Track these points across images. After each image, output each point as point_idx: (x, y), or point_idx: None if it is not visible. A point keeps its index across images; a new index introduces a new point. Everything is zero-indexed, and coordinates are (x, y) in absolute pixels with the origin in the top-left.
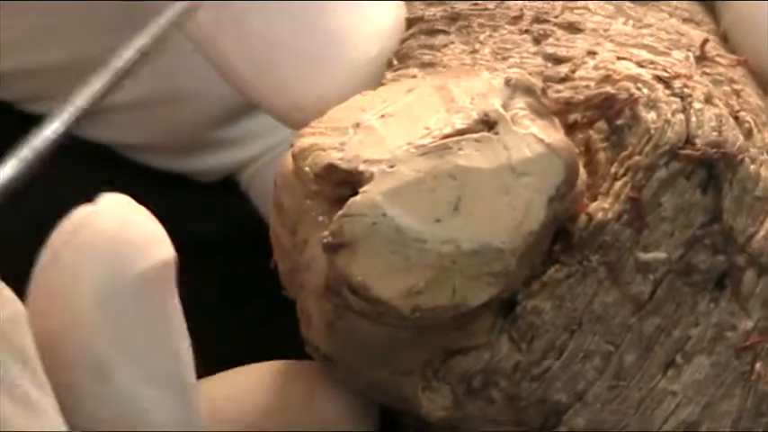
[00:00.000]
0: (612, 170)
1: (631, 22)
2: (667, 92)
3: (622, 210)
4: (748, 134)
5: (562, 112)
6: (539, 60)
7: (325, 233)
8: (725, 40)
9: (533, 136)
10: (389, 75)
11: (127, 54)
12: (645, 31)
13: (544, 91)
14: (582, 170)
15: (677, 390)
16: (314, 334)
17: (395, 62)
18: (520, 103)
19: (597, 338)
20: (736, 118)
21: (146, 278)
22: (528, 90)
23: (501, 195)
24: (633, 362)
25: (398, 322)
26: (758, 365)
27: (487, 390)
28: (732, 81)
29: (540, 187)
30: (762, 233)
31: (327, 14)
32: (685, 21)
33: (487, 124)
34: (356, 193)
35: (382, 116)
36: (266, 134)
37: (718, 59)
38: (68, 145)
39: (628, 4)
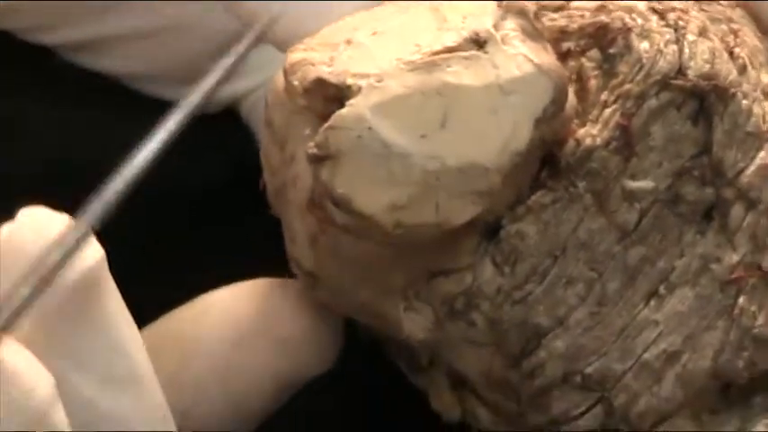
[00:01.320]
0: (603, 97)
1: None
2: (661, 23)
3: (611, 136)
4: (742, 70)
5: (556, 40)
6: None
7: (311, 144)
8: None
9: (523, 56)
10: None
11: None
12: None
13: (537, 15)
14: (572, 95)
15: (659, 319)
16: (298, 250)
17: None
18: (511, 24)
19: (581, 265)
20: (731, 53)
21: (78, 288)
22: (520, 12)
23: (488, 114)
24: (616, 290)
25: (381, 238)
26: (742, 300)
27: (469, 312)
28: (730, 20)
29: (527, 107)
30: (752, 168)
31: None
32: None
33: (477, 43)
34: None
35: (374, 33)
36: (266, 65)
37: None
38: (74, 76)
39: None
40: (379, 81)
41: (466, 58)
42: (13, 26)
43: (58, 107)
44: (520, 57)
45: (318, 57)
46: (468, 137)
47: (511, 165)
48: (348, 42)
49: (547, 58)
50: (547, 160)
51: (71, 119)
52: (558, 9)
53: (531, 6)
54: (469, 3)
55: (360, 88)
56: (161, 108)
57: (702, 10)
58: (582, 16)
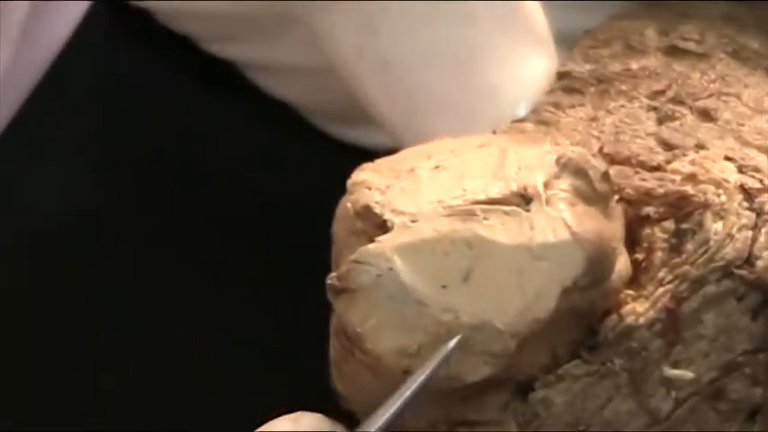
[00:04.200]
0: (660, 275)
1: None
2: (745, 204)
3: (656, 318)
4: None
5: (640, 203)
6: (650, 142)
7: (333, 274)
8: None
9: (563, 221)
10: (504, 126)
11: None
12: None
13: (606, 175)
14: (624, 267)
15: None
16: (332, 365)
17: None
18: (564, 184)
19: None
20: None
21: None
22: (579, 171)
23: (513, 275)
24: None
25: (391, 380)
26: None
27: None
28: None
29: (555, 275)
30: None
31: (482, 68)
32: None
33: (524, 198)
34: None
35: (436, 167)
36: (270, 34)
37: None
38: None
39: None
40: (413, 221)
41: (506, 213)
42: (192, 31)
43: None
44: (559, 221)
45: (378, 182)
46: (489, 296)
47: (528, 330)
48: (410, 171)
49: (591, 226)
50: (588, 334)
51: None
52: (653, 168)
53: (599, 164)
54: (534, 149)
55: (393, 225)
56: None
57: None
58: (672, 181)
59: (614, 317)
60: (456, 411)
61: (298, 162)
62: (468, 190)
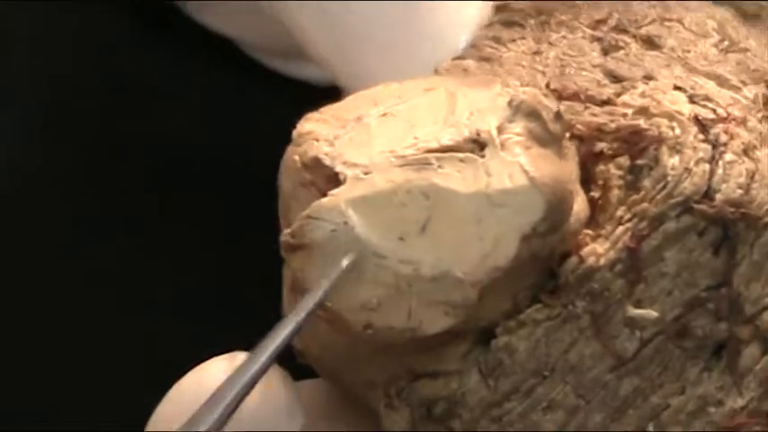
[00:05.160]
0: (619, 213)
1: (725, 44)
2: (700, 137)
3: (617, 258)
4: None
5: (591, 138)
6: (597, 74)
7: (286, 231)
8: None
9: (519, 166)
10: (445, 63)
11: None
12: (733, 56)
13: (559, 115)
14: (584, 206)
15: None
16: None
17: (464, 52)
18: (518, 127)
19: (567, 389)
20: None
21: None
22: (532, 113)
23: (471, 224)
24: (599, 422)
25: (351, 336)
26: None
27: (448, 419)
28: None
29: (513, 222)
30: None
31: (419, 8)
32: None
33: (477, 144)
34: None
35: (384, 114)
36: None
37: None
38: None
39: (734, 23)
40: (365, 173)
41: (461, 160)
42: None
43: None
44: (516, 166)
45: (325, 132)
46: (447, 245)
47: (489, 279)
48: (357, 120)
49: (547, 169)
50: (547, 277)
51: None
52: (603, 102)
53: (552, 104)
54: (484, 92)
55: (345, 177)
56: None
57: (765, 118)
58: (623, 115)
59: (574, 259)
60: (416, 363)
61: (241, 101)
62: (420, 138)
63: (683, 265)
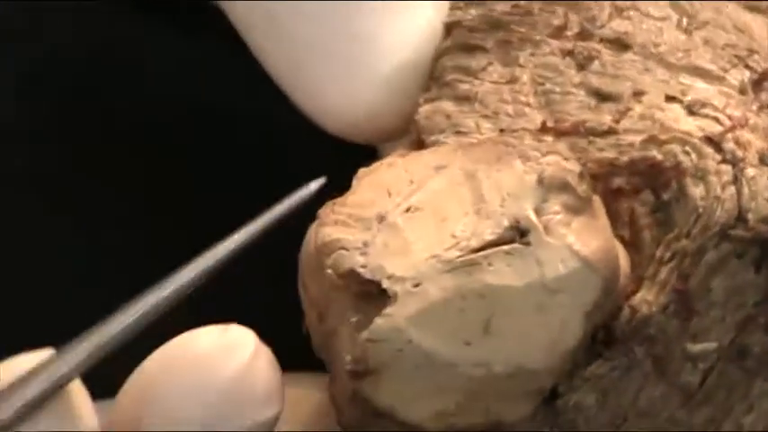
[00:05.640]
0: (658, 254)
1: (685, 21)
2: (718, 157)
3: (668, 301)
4: None
5: (606, 176)
6: (581, 96)
7: (348, 359)
8: None
9: (568, 248)
10: (424, 106)
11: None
12: (698, 35)
13: (583, 175)
14: (625, 262)
15: None
16: (344, 426)
17: (431, 87)
18: (555, 205)
19: None
20: None
21: None
22: (563, 186)
23: (533, 315)
24: None
25: None
26: None
27: None
28: None
29: (575, 304)
30: None
31: (360, 17)
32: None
33: (518, 231)
34: (383, 291)
35: (408, 209)
36: None
37: None
38: None
39: None
40: (415, 285)
41: (507, 252)
42: None
43: None
44: (564, 250)
45: (351, 239)
46: (515, 340)
47: (562, 362)
48: (381, 219)
49: (595, 242)
50: (602, 326)
51: None
52: (605, 133)
53: (574, 166)
54: (508, 172)
55: (396, 294)
56: None
57: (762, 108)
58: (631, 145)
59: (627, 311)
60: None
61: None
62: (459, 236)
63: (730, 290)
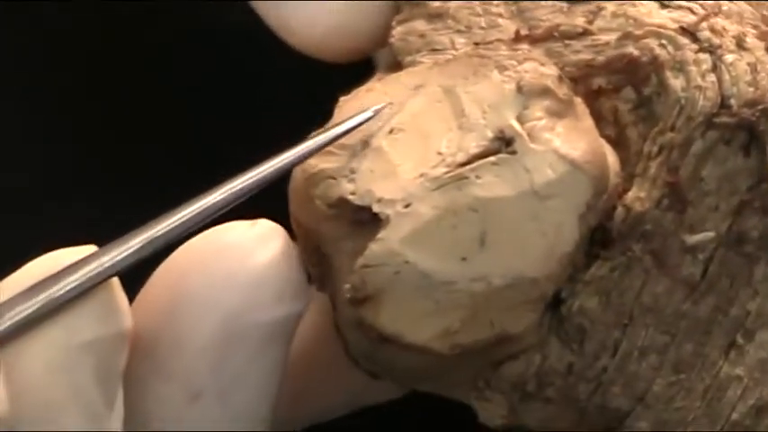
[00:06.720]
0: (646, 149)
1: None
2: (694, 47)
3: (661, 195)
4: None
5: (584, 77)
6: (553, 1)
7: (347, 287)
8: None
9: (555, 152)
10: (397, 28)
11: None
12: None
13: (561, 78)
14: (613, 160)
15: (742, 373)
16: (353, 355)
17: (403, 8)
18: (537, 110)
19: (651, 331)
20: None
21: (271, 331)
22: (543, 91)
23: (528, 222)
24: (692, 350)
25: (438, 357)
26: None
27: (543, 390)
28: None
29: (568, 208)
30: None
31: None
32: None
33: (503, 141)
34: (375, 216)
35: (391, 131)
36: None
37: None
38: None
39: None
40: (406, 206)
41: (494, 163)
42: None
43: None
44: (551, 154)
45: (338, 167)
46: (511, 251)
47: (561, 268)
48: (364, 145)
49: (581, 144)
50: (597, 228)
51: None
52: (580, 35)
53: (551, 70)
54: (486, 84)
55: (388, 217)
56: None
57: None
58: (607, 44)
59: (620, 210)
60: (499, 353)
61: None
62: (444, 152)
63: (722, 177)
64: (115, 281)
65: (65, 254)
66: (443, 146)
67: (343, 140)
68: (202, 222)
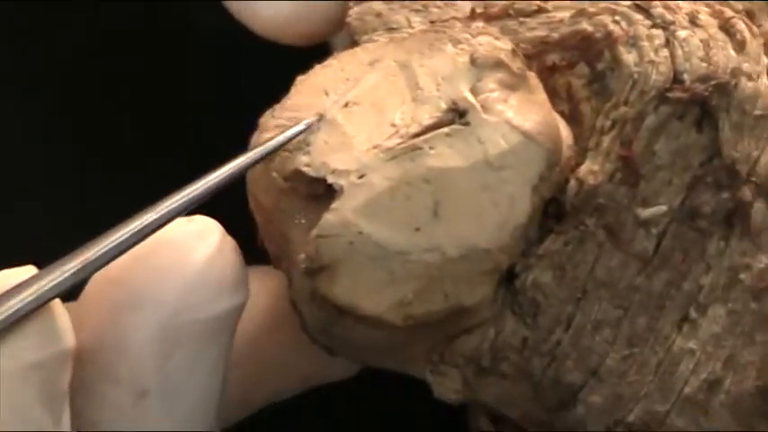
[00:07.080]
0: (598, 123)
1: None
2: (648, 23)
3: (614, 169)
4: (741, 46)
5: (539, 54)
6: None
7: (302, 257)
8: None
9: (508, 123)
10: (354, 8)
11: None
12: None
13: (515, 52)
14: (566, 134)
15: (695, 347)
16: (309, 330)
17: None
18: (490, 82)
19: (605, 305)
20: (727, 31)
21: (212, 326)
22: (497, 64)
23: (481, 193)
24: (645, 324)
25: (393, 330)
26: None
27: (498, 365)
28: None
29: (521, 179)
30: (767, 156)
31: None
32: None
33: (457, 112)
34: (329, 189)
35: (345, 105)
36: None
37: None
38: None
39: None
40: (360, 177)
41: (448, 134)
42: None
43: None
44: (504, 125)
45: (293, 140)
46: (464, 221)
47: (513, 240)
48: (320, 117)
49: (534, 115)
50: (551, 201)
51: None
52: (535, 12)
53: (505, 44)
54: (441, 57)
55: (342, 188)
56: None
57: None
58: (561, 21)
59: (573, 183)
60: (453, 326)
61: None
62: (398, 124)
63: (675, 152)
64: (55, 302)
65: (2, 276)
66: (397, 117)
67: (299, 115)
68: (142, 240)
